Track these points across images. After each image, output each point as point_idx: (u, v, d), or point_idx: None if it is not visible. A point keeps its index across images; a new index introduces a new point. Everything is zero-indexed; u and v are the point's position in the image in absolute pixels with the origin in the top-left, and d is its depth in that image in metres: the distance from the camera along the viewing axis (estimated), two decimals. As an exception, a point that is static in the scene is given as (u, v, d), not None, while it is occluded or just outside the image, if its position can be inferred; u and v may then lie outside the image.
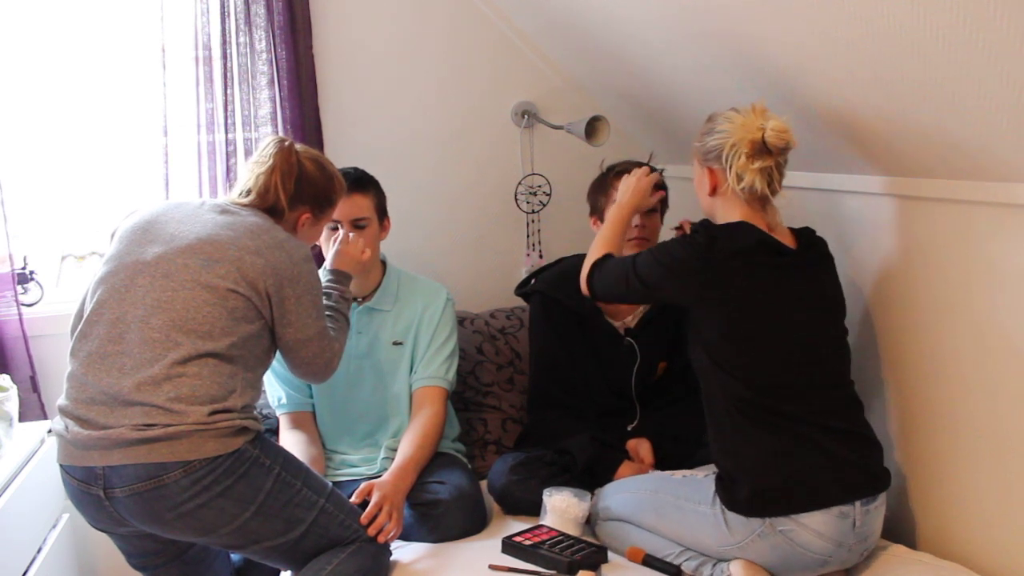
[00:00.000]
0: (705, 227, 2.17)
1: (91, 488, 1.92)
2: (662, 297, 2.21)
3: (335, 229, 2.50)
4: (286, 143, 2.18)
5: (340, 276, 2.36)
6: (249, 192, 2.15)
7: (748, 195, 2.12)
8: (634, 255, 2.23)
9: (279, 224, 2.13)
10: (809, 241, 2.21)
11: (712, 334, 2.11)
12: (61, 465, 1.97)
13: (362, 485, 2.24)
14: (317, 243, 2.47)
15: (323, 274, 2.32)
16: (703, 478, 2.17)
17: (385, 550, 2.14)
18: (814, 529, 2.00)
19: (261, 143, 2.23)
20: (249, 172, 2.18)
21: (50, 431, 2.54)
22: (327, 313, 2.23)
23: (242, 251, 1.99)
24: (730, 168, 2.10)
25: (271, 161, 2.15)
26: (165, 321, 1.93)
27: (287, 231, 2.13)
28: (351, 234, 2.45)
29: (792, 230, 2.23)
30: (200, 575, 2.20)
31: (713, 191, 2.18)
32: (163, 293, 1.95)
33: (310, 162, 2.20)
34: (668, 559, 2.13)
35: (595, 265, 2.31)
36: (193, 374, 1.91)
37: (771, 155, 2.09)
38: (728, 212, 2.17)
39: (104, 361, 1.93)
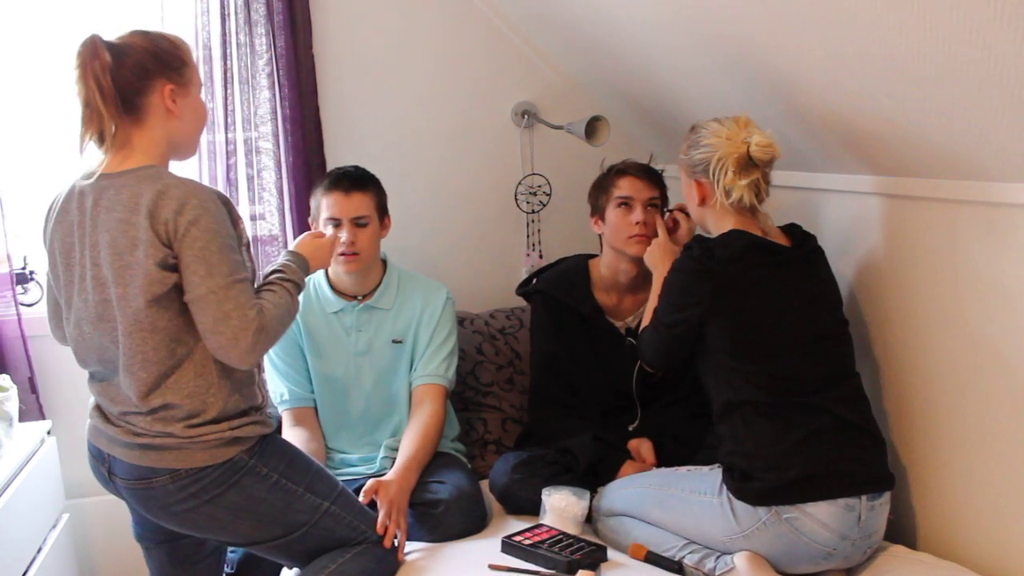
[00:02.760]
0: (698, 241, 2.22)
1: (101, 467, 2.00)
2: (693, 326, 2.17)
3: (337, 227, 2.50)
4: (88, 38, 1.85)
5: (298, 260, 2.08)
6: (90, 129, 1.86)
7: (737, 207, 2.16)
8: (655, 309, 2.28)
9: (147, 122, 1.88)
10: (802, 236, 2.26)
11: (723, 342, 2.14)
12: (88, 440, 2.04)
13: (368, 483, 2.24)
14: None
15: (282, 255, 2.13)
16: (708, 471, 2.18)
17: (392, 553, 2.14)
18: (820, 519, 2.01)
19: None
20: (77, 98, 1.86)
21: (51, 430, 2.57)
22: (269, 286, 1.97)
23: (121, 247, 1.81)
24: (717, 183, 2.15)
25: (79, 68, 1.83)
26: (122, 364, 1.88)
27: (164, 124, 1.89)
28: (327, 231, 2.40)
29: (781, 228, 2.27)
30: (191, 562, 2.16)
31: (702, 202, 2.23)
32: (104, 338, 1.88)
33: (127, 37, 1.90)
34: (670, 553, 2.14)
35: (639, 348, 2.37)
36: (159, 406, 1.87)
37: (757, 168, 2.13)
38: (720, 221, 2.21)
39: (100, 386, 1.98)
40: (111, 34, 1.91)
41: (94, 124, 1.86)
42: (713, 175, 2.14)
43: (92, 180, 1.90)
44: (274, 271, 2.03)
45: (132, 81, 1.87)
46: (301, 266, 2.07)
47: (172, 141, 1.94)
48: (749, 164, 2.12)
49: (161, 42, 1.93)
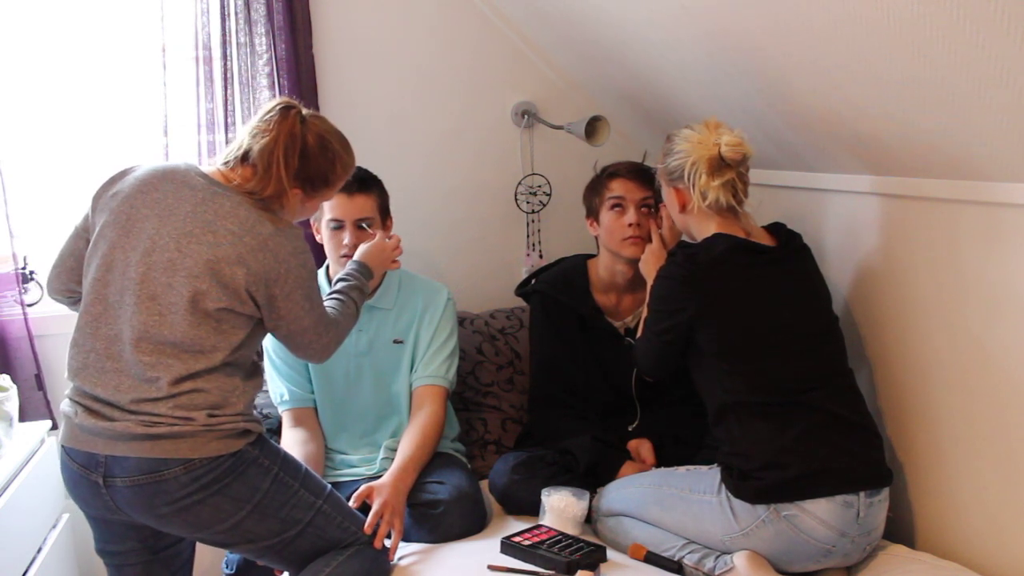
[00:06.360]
0: (682, 247, 2.25)
1: (90, 474, 1.93)
2: (682, 332, 2.20)
3: (339, 229, 2.50)
4: (292, 110, 2.03)
5: (363, 268, 2.31)
6: (247, 157, 2.01)
7: (716, 209, 2.18)
8: (645, 319, 2.30)
9: (264, 196, 1.99)
10: (787, 235, 2.28)
11: (712, 345, 2.16)
12: (63, 446, 1.98)
13: (361, 488, 2.25)
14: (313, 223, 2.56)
15: (348, 264, 2.34)
16: (707, 470, 2.19)
17: (385, 553, 2.15)
18: (819, 516, 2.01)
19: (266, 105, 2.07)
20: (250, 138, 2.02)
21: (52, 429, 2.57)
22: (336, 297, 2.21)
23: (221, 263, 1.91)
24: (694, 187, 2.18)
25: (275, 131, 1.99)
26: (155, 346, 1.91)
27: (275, 206, 2.01)
28: (389, 237, 2.46)
29: (766, 228, 2.29)
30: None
31: (683, 208, 2.25)
32: (150, 317, 1.91)
33: (313, 138, 2.05)
34: (670, 553, 2.15)
35: (635, 359, 2.40)
36: (189, 390, 1.91)
37: (730, 168, 2.16)
38: (702, 226, 2.23)
39: (102, 376, 1.93)
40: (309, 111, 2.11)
41: (260, 170, 2.00)
42: (689, 179, 2.18)
43: (202, 177, 2.01)
44: (341, 279, 2.28)
45: (295, 170, 2.02)
46: (365, 273, 2.31)
47: (281, 207, 2.05)
48: (722, 164, 2.15)
49: (329, 164, 2.09)
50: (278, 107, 2.03)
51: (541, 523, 2.31)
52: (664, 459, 2.49)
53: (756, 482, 2.05)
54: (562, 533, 2.25)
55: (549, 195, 3.19)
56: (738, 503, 2.07)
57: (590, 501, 2.36)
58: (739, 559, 2.06)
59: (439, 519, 2.29)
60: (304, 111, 2.07)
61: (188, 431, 1.89)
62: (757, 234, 2.24)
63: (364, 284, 2.29)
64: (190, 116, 2.80)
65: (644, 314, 2.35)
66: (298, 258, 1.99)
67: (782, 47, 2.06)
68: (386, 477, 2.31)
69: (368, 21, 3.02)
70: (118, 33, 2.84)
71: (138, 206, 1.98)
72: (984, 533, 2.06)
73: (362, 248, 2.39)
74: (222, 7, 2.78)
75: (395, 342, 2.58)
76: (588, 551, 2.16)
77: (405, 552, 2.22)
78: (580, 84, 3.19)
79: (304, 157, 2.04)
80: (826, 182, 2.45)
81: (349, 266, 2.33)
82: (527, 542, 2.19)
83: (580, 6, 2.64)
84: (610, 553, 2.21)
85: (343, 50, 3.00)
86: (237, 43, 2.80)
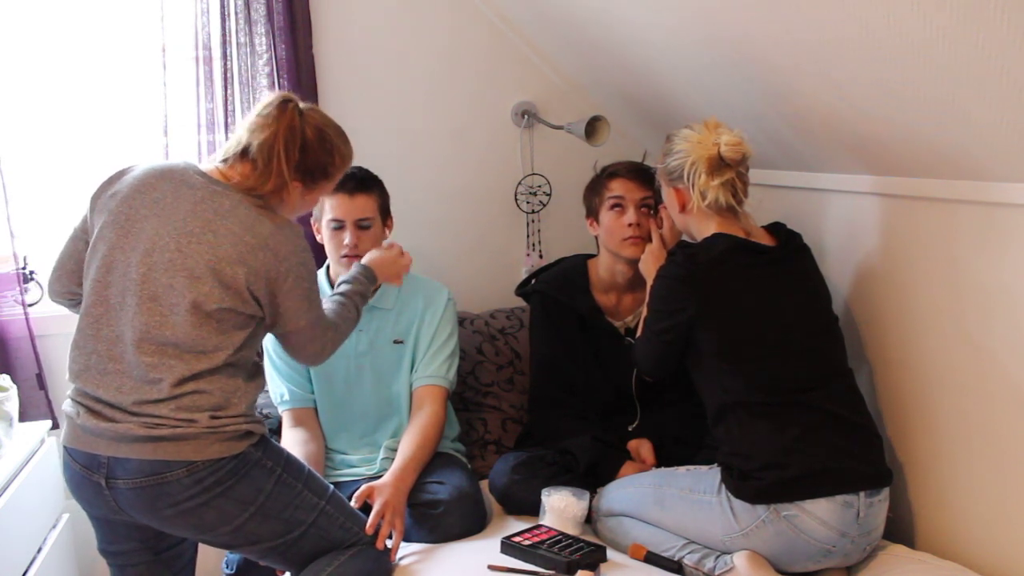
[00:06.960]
0: (681, 247, 2.26)
1: (92, 475, 1.93)
2: (681, 332, 2.19)
3: (340, 229, 2.50)
4: (290, 104, 2.02)
5: (368, 274, 2.30)
6: (247, 153, 2.00)
7: (716, 209, 2.18)
8: (644, 318, 2.30)
9: (265, 191, 1.99)
10: (786, 235, 2.28)
11: (712, 345, 2.16)
12: (65, 447, 1.98)
13: (362, 488, 2.25)
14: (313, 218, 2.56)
15: (354, 267, 2.32)
16: (707, 470, 2.19)
17: (386, 553, 2.15)
18: (819, 516, 2.02)
19: (263, 100, 2.06)
20: (249, 134, 2.01)
21: (52, 429, 2.58)
22: (337, 299, 2.19)
23: (223, 263, 1.91)
24: (693, 187, 2.18)
25: (274, 125, 1.99)
26: (157, 347, 1.91)
27: (275, 201, 2.01)
28: (404, 252, 2.44)
29: (766, 228, 2.29)
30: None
31: (683, 208, 2.25)
32: (151, 318, 1.91)
33: (312, 131, 2.04)
34: (670, 553, 2.15)
35: (634, 359, 2.40)
36: (191, 391, 1.91)
37: (730, 168, 2.17)
38: (702, 226, 2.24)
39: (104, 378, 1.93)
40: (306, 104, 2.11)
41: (261, 165, 1.99)
42: (688, 179, 2.18)
43: (200, 176, 2.00)
44: (345, 282, 2.26)
45: (296, 163, 2.02)
46: (370, 279, 2.29)
47: (281, 202, 2.05)
48: (721, 164, 2.16)
49: (328, 156, 2.08)
50: (275, 101, 2.03)
51: (541, 523, 2.31)
52: (664, 459, 2.49)
53: (756, 482, 2.05)
54: (562, 533, 2.25)
55: (549, 195, 3.19)
56: (738, 503, 2.07)
57: (590, 501, 2.36)
58: (739, 559, 2.06)
59: (439, 519, 2.30)
60: (301, 104, 2.07)
61: (191, 433, 1.89)
62: (757, 234, 2.24)
63: (367, 289, 2.28)
64: (190, 116, 2.80)
65: (644, 314, 2.35)
66: (298, 256, 1.99)
67: (782, 48, 2.06)
68: (387, 477, 2.31)
69: (368, 21, 3.02)
70: (118, 33, 2.84)
71: (137, 206, 1.98)
72: (983, 533, 2.06)
73: (373, 254, 2.39)
74: (222, 7, 2.78)
75: (395, 342, 2.58)
76: (588, 551, 2.16)
77: (405, 552, 2.22)
78: (580, 84, 3.19)
79: (303, 150, 2.03)
80: (826, 182, 2.46)
81: (355, 269, 2.31)
82: (527, 542, 2.19)
83: (581, 7, 2.64)
84: (610, 553, 2.21)
85: (343, 50, 3.00)
86: (237, 43, 2.80)
